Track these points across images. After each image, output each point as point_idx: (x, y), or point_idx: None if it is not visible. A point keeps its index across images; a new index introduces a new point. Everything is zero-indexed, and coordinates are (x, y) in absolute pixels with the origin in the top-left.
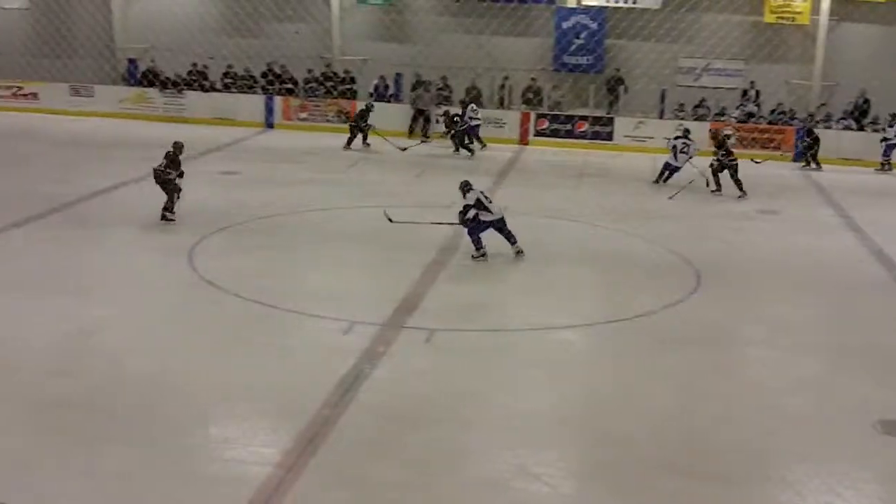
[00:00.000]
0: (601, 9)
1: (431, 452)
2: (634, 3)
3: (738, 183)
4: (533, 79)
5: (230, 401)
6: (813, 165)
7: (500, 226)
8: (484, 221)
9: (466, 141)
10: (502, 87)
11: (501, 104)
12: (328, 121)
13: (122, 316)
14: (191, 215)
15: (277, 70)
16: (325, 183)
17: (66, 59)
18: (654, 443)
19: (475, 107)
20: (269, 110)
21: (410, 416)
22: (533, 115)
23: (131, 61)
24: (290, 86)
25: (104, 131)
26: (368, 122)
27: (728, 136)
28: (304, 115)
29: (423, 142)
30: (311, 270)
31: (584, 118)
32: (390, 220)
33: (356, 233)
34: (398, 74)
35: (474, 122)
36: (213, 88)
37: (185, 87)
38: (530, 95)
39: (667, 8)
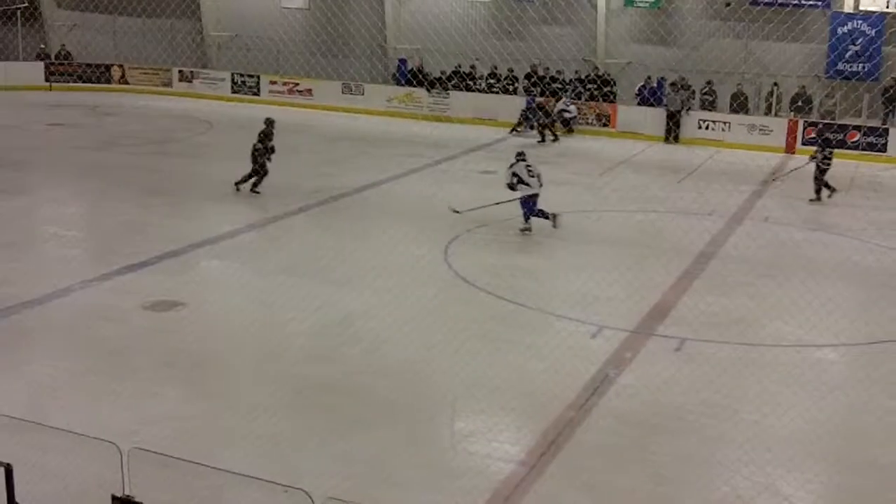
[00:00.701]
0: (881, 15)
1: (676, 464)
2: None
3: None
4: (802, 86)
5: (476, 396)
6: None
7: (534, 200)
8: (527, 196)
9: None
10: (771, 93)
11: (769, 111)
12: (588, 123)
13: (381, 307)
14: (448, 212)
15: (541, 72)
16: (581, 185)
17: (342, 58)
18: None
19: (567, 101)
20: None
21: (656, 425)
22: (801, 123)
23: (402, 61)
24: (553, 87)
25: (372, 128)
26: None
27: None
28: None
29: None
30: (563, 272)
31: (857, 128)
32: (456, 211)
33: (610, 236)
34: (661, 78)
35: (567, 115)
36: (476, 89)
37: (451, 88)
38: (800, 103)
39: None
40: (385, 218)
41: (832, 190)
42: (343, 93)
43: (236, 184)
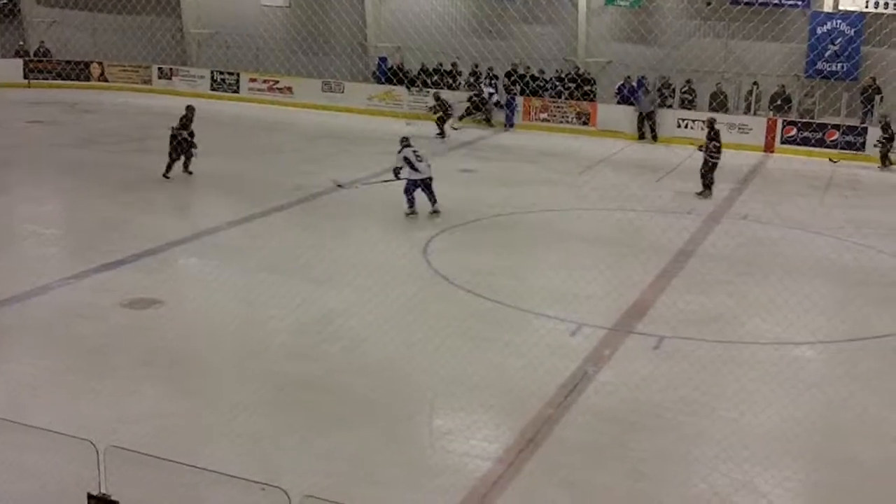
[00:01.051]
0: (860, 14)
1: (655, 461)
2: None
3: None
4: (782, 85)
5: (455, 394)
6: None
7: (427, 185)
8: (411, 180)
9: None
10: (750, 92)
11: (748, 110)
12: (568, 122)
13: (360, 305)
14: (427, 211)
15: (521, 70)
16: (561, 184)
17: (322, 56)
18: (890, 472)
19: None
20: (511, 110)
21: (635, 422)
22: (780, 122)
23: (382, 59)
24: (533, 86)
25: (353, 126)
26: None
27: None
28: (544, 115)
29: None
30: (541, 270)
31: (835, 127)
32: (340, 185)
33: (589, 235)
34: (641, 77)
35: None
36: (456, 87)
37: (432, 86)
38: (779, 102)
39: None
40: (365, 216)
41: (707, 189)
42: (323, 91)
43: (166, 174)
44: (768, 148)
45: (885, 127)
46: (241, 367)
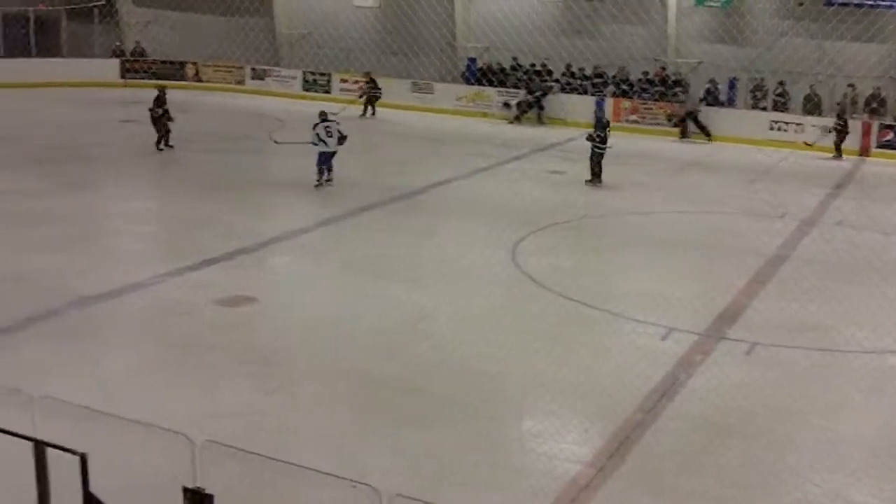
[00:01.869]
0: None
1: (746, 468)
2: None
3: None
4: (877, 87)
5: (545, 396)
6: None
7: (329, 157)
8: (321, 153)
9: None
10: (845, 95)
11: (843, 113)
12: (658, 124)
13: (448, 305)
14: (516, 212)
15: (612, 71)
16: (651, 186)
17: (412, 57)
18: None
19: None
20: (601, 110)
21: (726, 428)
22: (876, 126)
23: (471, 60)
24: (623, 87)
25: (441, 127)
26: None
27: None
28: (633, 116)
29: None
30: (631, 273)
31: None
32: (276, 142)
33: (680, 237)
34: (733, 78)
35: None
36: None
37: (521, 87)
38: (875, 105)
39: None
40: (454, 217)
41: (596, 177)
42: (412, 91)
43: (158, 147)
44: (864, 152)
45: (840, 114)
46: (330, 365)
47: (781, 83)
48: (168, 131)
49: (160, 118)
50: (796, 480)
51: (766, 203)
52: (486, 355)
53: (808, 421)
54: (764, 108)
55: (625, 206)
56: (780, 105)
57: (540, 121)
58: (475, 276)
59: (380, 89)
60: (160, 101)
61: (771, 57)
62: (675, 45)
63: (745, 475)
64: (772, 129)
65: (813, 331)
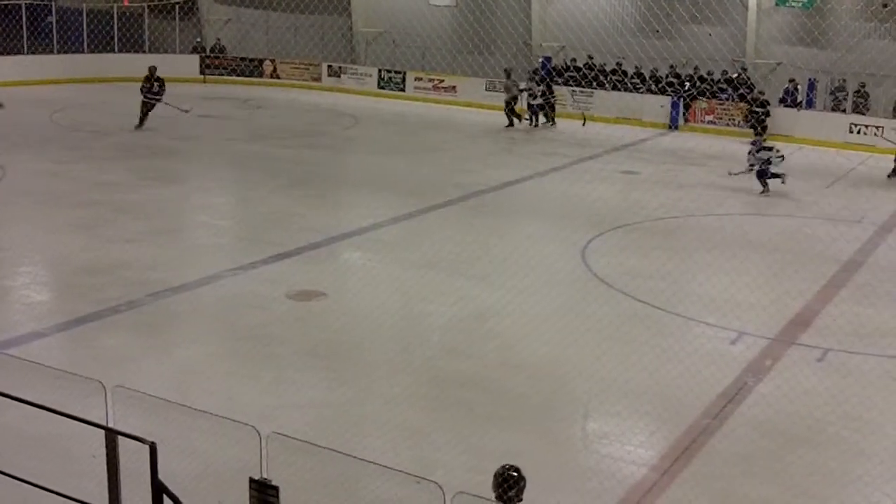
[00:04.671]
0: None
1: (814, 477)
2: None
3: None
4: None
5: (611, 398)
6: None
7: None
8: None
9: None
10: None
11: None
12: (736, 124)
13: (517, 304)
14: (588, 212)
15: (689, 71)
16: (726, 188)
17: (487, 55)
18: None
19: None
20: (675, 111)
21: (795, 436)
22: None
23: (546, 59)
24: (699, 87)
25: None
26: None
27: None
28: (710, 117)
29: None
30: (702, 276)
31: None
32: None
33: (753, 241)
34: (812, 80)
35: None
36: (622, 87)
37: (597, 87)
38: None
39: None
40: (525, 216)
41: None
42: (487, 90)
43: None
44: None
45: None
46: (398, 360)
47: (862, 85)
48: (151, 108)
49: (148, 101)
50: (866, 490)
51: (844, 207)
52: (553, 355)
53: (880, 430)
54: (844, 111)
55: (698, 207)
56: (861, 107)
57: (549, 120)
58: (544, 275)
59: (553, 95)
60: (151, 82)
61: (853, 59)
62: (755, 45)
63: (813, 484)
64: (851, 132)
65: (887, 338)
